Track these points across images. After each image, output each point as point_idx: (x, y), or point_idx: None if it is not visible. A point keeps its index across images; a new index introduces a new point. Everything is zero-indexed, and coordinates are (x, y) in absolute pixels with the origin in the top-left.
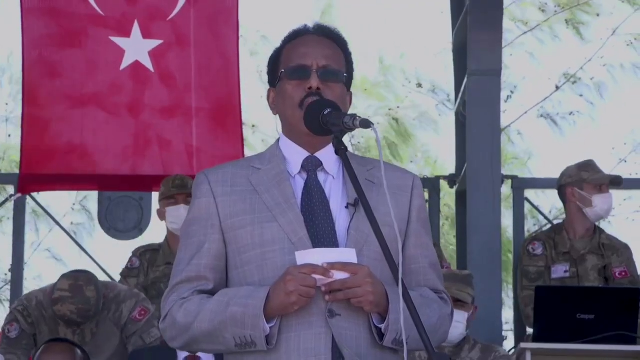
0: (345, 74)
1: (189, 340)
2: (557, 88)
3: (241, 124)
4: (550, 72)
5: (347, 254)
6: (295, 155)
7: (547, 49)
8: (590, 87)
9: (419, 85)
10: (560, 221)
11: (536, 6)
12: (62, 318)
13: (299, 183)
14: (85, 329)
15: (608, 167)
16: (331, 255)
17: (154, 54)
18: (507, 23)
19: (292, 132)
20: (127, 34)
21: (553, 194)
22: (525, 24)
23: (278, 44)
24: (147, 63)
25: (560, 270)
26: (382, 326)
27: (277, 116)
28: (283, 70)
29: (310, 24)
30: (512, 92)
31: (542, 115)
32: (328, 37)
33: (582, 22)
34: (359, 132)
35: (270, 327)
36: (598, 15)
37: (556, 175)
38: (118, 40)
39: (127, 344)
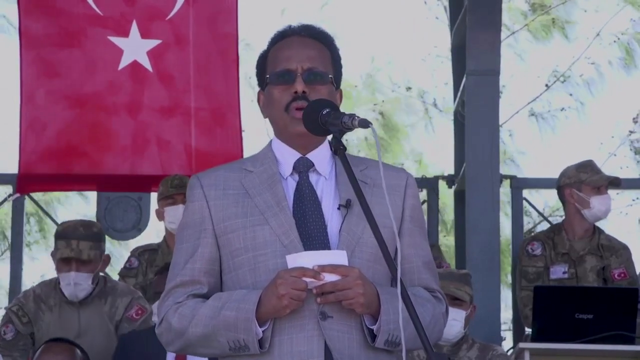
0: (331, 75)
1: (184, 345)
2: (547, 87)
3: (240, 123)
4: (538, 71)
5: (337, 256)
6: (287, 156)
7: (534, 49)
8: (580, 84)
9: (409, 89)
10: (552, 218)
11: (519, 9)
12: (64, 232)
13: (291, 185)
14: (83, 249)
15: (599, 163)
16: (321, 258)
17: (152, 54)
18: None
19: (282, 134)
20: (125, 33)
21: (547, 192)
22: (508, 28)
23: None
24: (146, 63)
25: (558, 271)
26: (374, 327)
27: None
28: (268, 76)
29: (295, 24)
30: (500, 92)
31: (532, 114)
32: (312, 37)
33: (568, 22)
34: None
35: (263, 331)
36: (585, 11)
37: (555, 174)
38: (116, 40)
39: None
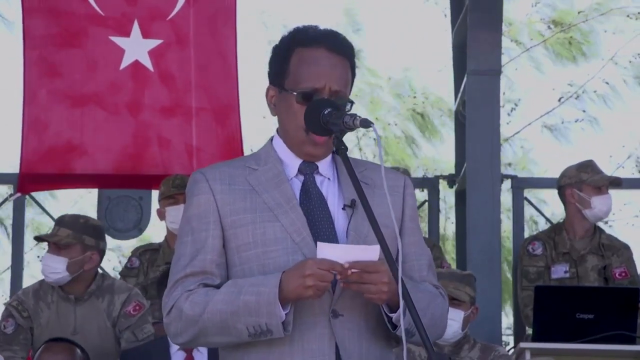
0: (350, 100)
1: (197, 333)
2: (560, 101)
3: (240, 123)
4: (553, 86)
5: (371, 252)
6: (292, 158)
7: (549, 65)
8: (594, 100)
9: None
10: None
11: (536, 28)
12: (60, 220)
13: (296, 185)
14: (61, 235)
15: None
16: (354, 253)
17: (153, 54)
18: (507, 42)
19: (293, 145)
20: (126, 33)
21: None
22: (522, 44)
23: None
24: (147, 63)
25: (560, 271)
26: (394, 316)
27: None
28: (296, 93)
29: (322, 33)
30: (516, 104)
31: (545, 126)
32: (338, 52)
33: (586, 41)
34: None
35: (285, 314)
36: (606, 31)
37: (556, 174)
38: (118, 40)
39: (119, 338)
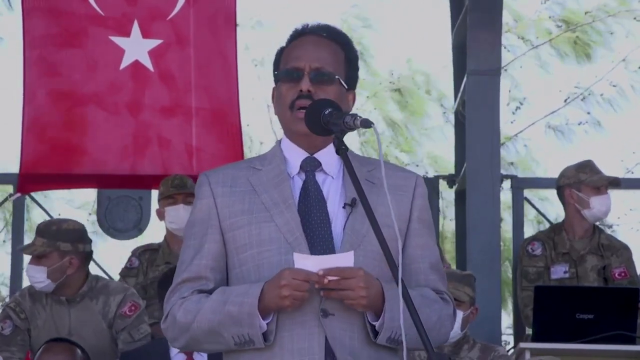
0: (338, 76)
1: (190, 340)
2: (566, 102)
3: (240, 123)
4: (559, 87)
5: (344, 259)
6: (295, 155)
7: (556, 65)
8: (600, 102)
9: (427, 93)
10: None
11: (545, 26)
12: (37, 229)
13: (298, 183)
14: (37, 245)
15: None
16: (329, 262)
17: (153, 54)
18: (514, 40)
19: (288, 133)
20: (126, 33)
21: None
22: (528, 41)
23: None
24: (147, 62)
25: (559, 271)
26: (377, 324)
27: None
28: (276, 73)
29: (314, 25)
30: (521, 103)
31: (549, 127)
32: (328, 37)
33: (592, 42)
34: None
35: (267, 324)
36: (612, 33)
37: (557, 175)
38: (118, 40)
39: (116, 339)
